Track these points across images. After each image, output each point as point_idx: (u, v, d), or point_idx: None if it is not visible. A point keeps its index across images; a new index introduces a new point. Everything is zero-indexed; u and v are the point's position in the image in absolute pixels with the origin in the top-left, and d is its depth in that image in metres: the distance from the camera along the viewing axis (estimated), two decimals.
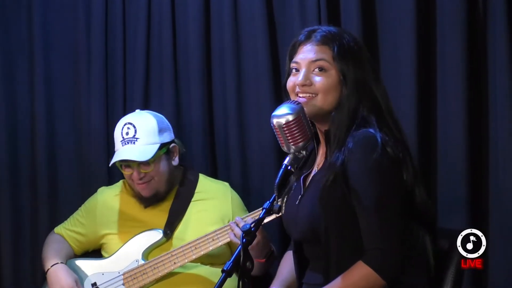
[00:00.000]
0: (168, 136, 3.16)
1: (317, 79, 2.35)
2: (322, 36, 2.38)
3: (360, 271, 2.23)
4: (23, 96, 3.63)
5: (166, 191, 3.17)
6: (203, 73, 3.50)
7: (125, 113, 3.56)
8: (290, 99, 2.36)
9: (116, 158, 3.11)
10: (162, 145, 3.13)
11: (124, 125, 3.14)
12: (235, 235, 2.88)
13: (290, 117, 2.22)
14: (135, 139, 3.10)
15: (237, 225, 2.89)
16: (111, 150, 3.55)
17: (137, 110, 3.25)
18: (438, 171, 3.07)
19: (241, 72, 3.45)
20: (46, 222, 3.56)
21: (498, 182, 3.01)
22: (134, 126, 3.11)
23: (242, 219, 2.92)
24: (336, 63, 2.34)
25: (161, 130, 3.13)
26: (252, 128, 3.44)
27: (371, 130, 2.29)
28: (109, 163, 3.21)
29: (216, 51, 3.48)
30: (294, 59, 2.40)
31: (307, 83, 2.34)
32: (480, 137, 3.07)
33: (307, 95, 2.34)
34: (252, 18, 3.40)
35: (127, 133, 3.11)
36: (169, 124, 3.21)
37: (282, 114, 2.22)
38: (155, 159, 3.09)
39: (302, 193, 2.40)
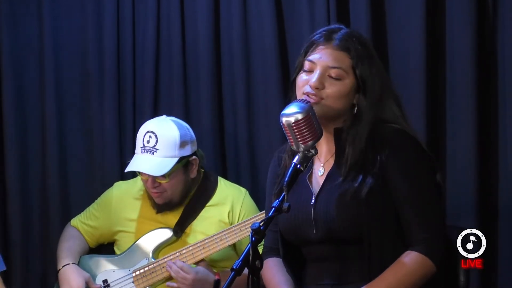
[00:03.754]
0: (189, 149, 3.12)
1: (331, 86, 2.34)
2: (342, 42, 2.37)
3: (413, 259, 2.27)
4: (33, 95, 3.62)
5: (180, 200, 3.15)
6: (212, 74, 3.49)
7: (135, 111, 3.58)
8: (295, 95, 2.38)
9: (132, 167, 3.09)
10: (181, 158, 3.09)
11: (147, 132, 3.09)
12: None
13: (300, 116, 2.21)
14: (155, 150, 3.06)
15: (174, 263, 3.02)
16: (123, 150, 3.58)
17: (163, 117, 3.20)
18: (447, 172, 3.06)
19: (250, 72, 3.44)
20: (57, 223, 3.54)
21: (507, 182, 3.01)
22: (156, 136, 3.07)
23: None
24: (354, 72, 2.35)
25: (182, 143, 3.09)
26: (261, 128, 3.43)
27: (402, 127, 2.35)
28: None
29: (225, 51, 3.48)
30: (310, 58, 2.38)
31: (319, 87, 2.33)
32: (489, 137, 3.06)
33: (316, 98, 2.33)
34: (260, 17, 3.39)
35: (148, 141, 3.08)
36: (193, 136, 3.16)
37: (292, 113, 2.23)
38: (171, 173, 3.07)
39: (316, 192, 2.39)
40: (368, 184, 2.30)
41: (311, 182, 2.43)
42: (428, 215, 2.30)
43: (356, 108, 2.37)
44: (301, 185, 2.41)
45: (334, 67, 2.35)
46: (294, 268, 2.44)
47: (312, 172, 2.44)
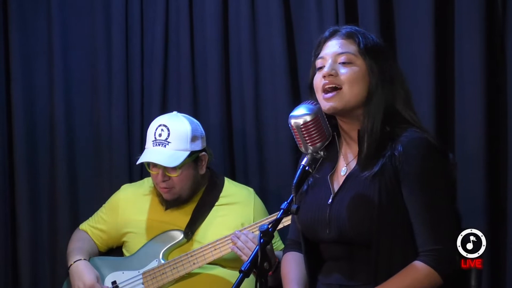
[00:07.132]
0: (199, 144, 3.15)
1: (343, 71, 2.33)
2: (347, 32, 2.39)
3: (420, 269, 2.25)
4: (42, 96, 3.65)
5: (189, 197, 3.17)
6: (221, 74, 3.51)
7: (143, 112, 3.61)
8: (315, 97, 2.36)
9: (144, 158, 3.11)
10: (192, 153, 3.12)
11: (159, 126, 3.12)
12: (238, 248, 2.94)
13: (308, 118, 2.23)
14: (167, 143, 3.09)
15: (238, 238, 2.95)
16: (131, 149, 3.60)
17: (175, 112, 3.23)
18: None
19: (258, 72, 3.46)
20: (66, 221, 3.58)
21: None
22: (168, 129, 3.10)
23: (241, 231, 2.98)
24: (362, 56, 2.34)
25: (193, 138, 3.12)
26: (270, 129, 3.44)
27: (419, 131, 2.31)
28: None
29: (234, 52, 3.49)
30: (320, 55, 2.39)
31: (333, 73, 2.32)
32: (498, 136, 3.05)
33: (333, 86, 2.32)
34: (269, 18, 3.41)
35: (160, 135, 3.10)
36: (203, 132, 3.19)
37: (300, 115, 2.24)
38: (182, 165, 3.09)
39: (334, 192, 2.38)
40: (383, 188, 2.28)
41: (332, 181, 2.41)
42: (440, 228, 2.26)
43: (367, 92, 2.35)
44: (322, 184, 2.41)
45: (342, 53, 2.35)
46: (313, 264, 2.44)
47: (335, 171, 2.42)
